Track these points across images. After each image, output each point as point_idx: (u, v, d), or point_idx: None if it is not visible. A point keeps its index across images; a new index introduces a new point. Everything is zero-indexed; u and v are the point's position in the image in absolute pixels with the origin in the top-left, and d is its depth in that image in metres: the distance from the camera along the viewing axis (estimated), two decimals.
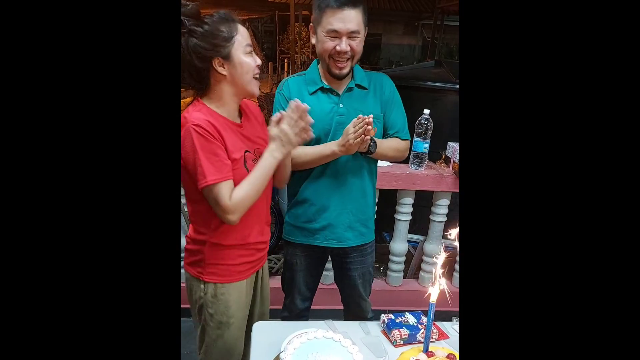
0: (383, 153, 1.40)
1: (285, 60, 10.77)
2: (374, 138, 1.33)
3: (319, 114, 1.35)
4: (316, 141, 1.37)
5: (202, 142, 1.05)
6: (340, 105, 1.38)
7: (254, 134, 1.25)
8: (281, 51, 12.17)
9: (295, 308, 1.60)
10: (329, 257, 1.60)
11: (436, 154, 2.18)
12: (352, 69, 1.37)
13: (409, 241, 2.28)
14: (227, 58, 1.10)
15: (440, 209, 2.17)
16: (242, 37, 1.11)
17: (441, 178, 2.04)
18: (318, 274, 1.61)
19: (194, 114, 1.08)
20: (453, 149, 2.05)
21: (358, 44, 1.31)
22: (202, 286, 1.20)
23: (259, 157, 1.19)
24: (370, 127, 1.23)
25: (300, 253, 1.51)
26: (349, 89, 1.39)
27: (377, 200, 1.56)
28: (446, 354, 1.00)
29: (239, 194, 1.10)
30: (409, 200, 2.13)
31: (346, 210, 1.44)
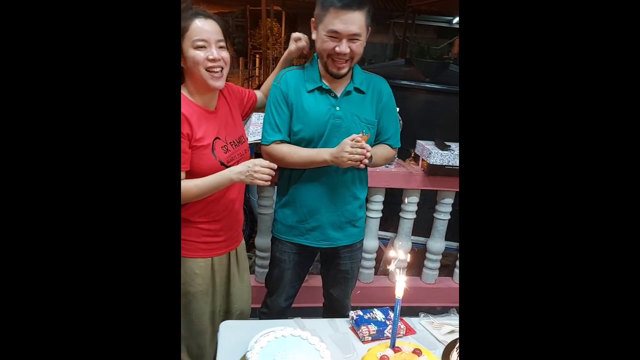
0: (375, 163, 1.42)
1: (257, 56, 10.66)
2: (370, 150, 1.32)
3: (316, 114, 1.34)
4: (308, 141, 1.35)
5: None
6: (337, 108, 1.36)
7: (227, 120, 1.30)
8: (253, 47, 12.03)
9: (278, 306, 1.58)
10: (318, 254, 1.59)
11: (405, 152, 2.20)
12: (351, 69, 1.35)
13: (379, 238, 2.31)
14: (181, 52, 1.16)
15: (410, 207, 2.20)
16: (192, 32, 1.15)
17: (411, 176, 2.07)
18: (304, 272, 1.60)
19: None
20: (422, 147, 2.09)
21: (358, 47, 1.28)
22: None
23: (229, 143, 1.27)
24: (367, 160, 1.25)
25: (289, 250, 1.50)
26: (348, 92, 1.37)
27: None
28: (412, 349, 1.02)
29: (182, 187, 1.18)
30: (380, 197, 2.15)
31: (337, 213, 1.44)
